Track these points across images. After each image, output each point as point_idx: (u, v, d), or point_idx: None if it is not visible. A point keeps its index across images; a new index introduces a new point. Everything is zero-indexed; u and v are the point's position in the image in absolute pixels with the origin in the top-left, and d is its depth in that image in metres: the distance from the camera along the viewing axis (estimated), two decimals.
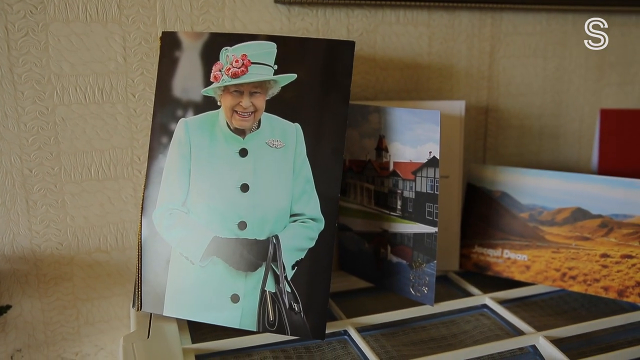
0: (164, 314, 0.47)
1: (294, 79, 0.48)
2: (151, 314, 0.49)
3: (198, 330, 0.50)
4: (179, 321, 0.49)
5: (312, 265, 0.47)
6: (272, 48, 0.48)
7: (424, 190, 0.52)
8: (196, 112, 0.49)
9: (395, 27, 0.60)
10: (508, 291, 0.57)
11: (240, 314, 0.46)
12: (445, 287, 0.60)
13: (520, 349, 0.48)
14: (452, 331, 0.52)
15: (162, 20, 0.53)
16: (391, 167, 0.54)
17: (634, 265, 0.54)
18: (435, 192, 0.51)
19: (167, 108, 0.49)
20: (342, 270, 0.62)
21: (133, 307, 0.49)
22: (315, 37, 0.53)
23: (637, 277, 0.53)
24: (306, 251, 0.47)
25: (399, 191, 0.54)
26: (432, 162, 0.51)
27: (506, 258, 0.60)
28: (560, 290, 0.58)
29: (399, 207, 0.54)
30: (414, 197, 0.53)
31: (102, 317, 0.56)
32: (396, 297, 0.56)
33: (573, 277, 0.56)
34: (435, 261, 0.52)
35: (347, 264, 0.62)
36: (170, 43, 0.49)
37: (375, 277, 0.58)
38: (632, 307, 0.55)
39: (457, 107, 0.58)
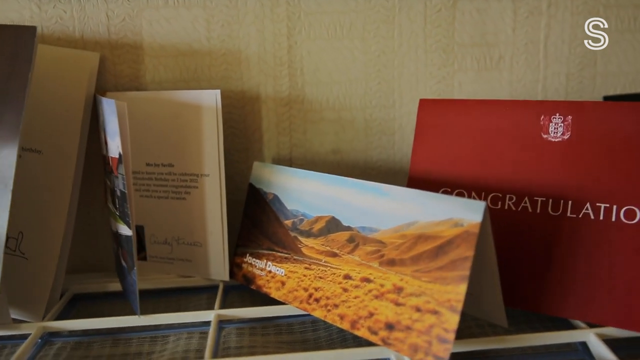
0: None
1: None
2: None
3: None
4: None
5: None
6: None
7: (122, 188, 0.47)
8: None
9: (163, 10, 0.55)
10: (248, 309, 0.50)
11: None
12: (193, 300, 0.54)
13: None
14: (145, 349, 0.46)
15: None
16: (110, 163, 0.50)
17: (370, 291, 0.44)
18: (124, 191, 0.46)
19: None
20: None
21: None
22: None
23: (372, 306, 0.43)
24: None
25: (115, 189, 0.49)
26: (121, 159, 0.46)
27: (268, 271, 0.52)
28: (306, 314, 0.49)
29: (117, 205, 0.50)
30: (119, 195, 0.48)
31: None
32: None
33: (317, 300, 0.47)
34: (135, 268, 0.47)
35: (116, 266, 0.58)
36: None
37: (121, 281, 0.54)
38: None
39: (211, 96, 0.52)
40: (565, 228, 0.46)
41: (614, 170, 0.46)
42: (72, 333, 0.49)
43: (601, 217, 0.45)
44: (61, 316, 0.51)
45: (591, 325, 0.45)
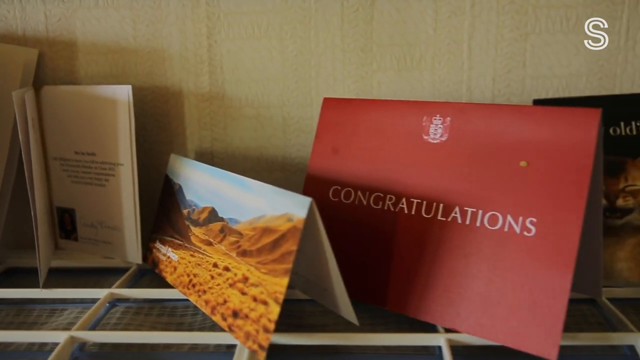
0: None
1: None
2: None
3: None
4: None
5: None
6: None
7: None
8: None
9: (95, 11, 0.60)
10: (138, 290, 0.53)
11: None
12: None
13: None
14: (41, 320, 0.51)
15: None
16: None
17: (227, 279, 0.46)
18: None
19: None
20: None
21: None
22: None
23: (226, 294, 0.45)
24: None
25: None
26: None
27: (167, 256, 0.55)
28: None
29: None
30: None
31: None
32: None
33: (194, 285, 0.50)
34: (38, 246, 0.52)
35: None
36: None
37: None
38: None
39: (123, 91, 0.55)
40: (435, 231, 0.46)
41: (484, 175, 0.45)
42: None
43: (467, 222, 0.45)
44: None
45: (449, 330, 0.44)
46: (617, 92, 0.59)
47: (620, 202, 0.54)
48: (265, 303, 0.40)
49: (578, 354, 0.44)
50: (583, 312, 0.50)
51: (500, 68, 0.59)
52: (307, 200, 0.39)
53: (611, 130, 0.56)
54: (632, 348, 0.43)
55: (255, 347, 0.40)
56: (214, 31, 0.59)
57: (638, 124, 0.55)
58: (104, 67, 0.61)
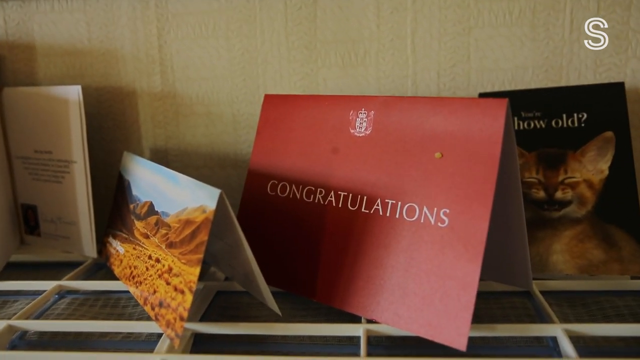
0: None
1: None
2: None
3: None
4: None
5: None
6: None
7: None
8: None
9: (51, 15, 0.62)
10: (86, 282, 0.55)
11: None
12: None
13: None
14: None
15: None
16: None
17: (157, 270, 0.47)
18: None
19: None
20: None
21: None
22: None
23: (156, 284, 0.47)
24: None
25: None
26: None
27: (116, 250, 0.57)
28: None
29: None
30: None
31: None
32: None
33: (133, 277, 0.52)
34: None
35: None
36: None
37: None
38: None
39: (74, 91, 0.58)
40: (359, 223, 0.47)
41: (403, 167, 0.45)
42: None
43: (388, 214, 0.45)
44: None
45: (370, 322, 0.45)
46: (563, 84, 0.58)
47: (559, 194, 0.54)
48: (182, 292, 0.42)
49: (502, 345, 0.44)
50: (515, 304, 0.50)
51: (444, 62, 0.59)
52: (216, 192, 0.41)
53: (553, 123, 0.56)
54: (554, 340, 0.44)
55: (172, 334, 0.41)
56: (163, 32, 0.61)
57: (579, 116, 0.55)
58: (61, 68, 0.63)
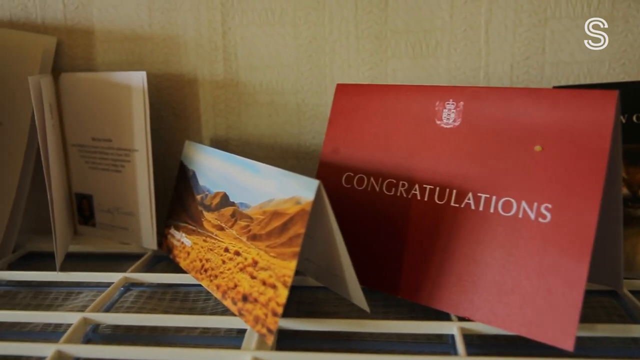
0: None
1: None
2: None
3: None
4: None
5: None
6: None
7: None
8: None
9: None
10: (152, 275, 0.54)
11: None
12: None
13: None
14: (57, 302, 0.52)
15: None
16: None
17: (238, 264, 0.46)
18: None
19: None
20: None
21: None
22: None
23: (237, 278, 0.45)
24: None
25: None
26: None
27: (181, 242, 0.56)
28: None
29: None
30: None
31: None
32: None
33: (206, 270, 0.50)
34: (55, 230, 0.52)
35: None
36: None
37: None
38: None
39: (138, 78, 0.56)
40: (448, 218, 0.45)
41: (496, 160, 0.44)
42: (10, 283, 0.56)
43: (481, 208, 0.44)
44: (9, 268, 0.58)
45: (463, 319, 0.44)
46: None
47: None
48: (273, 287, 0.40)
49: (598, 346, 0.42)
50: (603, 303, 0.48)
51: (518, 54, 0.57)
52: (314, 183, 0.39)
53: (634, 118, 0.54)
54: None
55: (264, 330, 0.40)
56: (228, 18, 0.59)
57: None
58: (120, 54, 0.61)
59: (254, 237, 0.45)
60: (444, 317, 0.45)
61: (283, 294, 0.39)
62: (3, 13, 0.61)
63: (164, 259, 0.61)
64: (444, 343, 0.43)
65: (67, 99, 0.61)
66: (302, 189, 0.40)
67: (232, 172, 0.50)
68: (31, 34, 0.60)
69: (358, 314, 0.47)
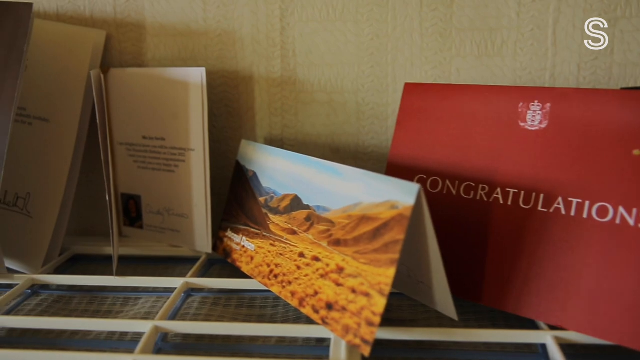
0: None
1: None
2: None
3: None
4: None
5: None
6: None
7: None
8: None
9: None
10: (215, 280, 0.52)
11: None
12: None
13: None
14: (116, 308, 0.50)
15: None
16: None
17: (317, 270, 0.44)
18: None
19: None
20: None
21: None
22: None
23: (317, 285, 0.43)
24: None
25: None
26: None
27: (242, 246, 0.54)
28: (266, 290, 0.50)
29: None
30: None
31: None
32: None
33: (276, 276, 0.48)
34: (114, 234, 0.50)
35: None
36: None
37: None
38: None
39: (197, 74, 0.54)
40: (535, 223, 0.44)
41: (589, 163, 0.42)
42: (60, 287, 0.53)
43: (572, 213, 0.42)
44: (57, 272, 0.56)
45: (553, 328, 0.42)
46: None
47: None
48: (367, 295, 0.38)
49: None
50: None
51: (586, 55, 0.56)
52: (414, 187, 0.37)
53: None
54: None
55: (357, 341, 0.38)
56: (287, 13, 0.57)
57: None
58: (172, 50, 0.59)
59: (337, 242, 0.43)
60: (529, 325, 0.44)
61: (380, 303, 0.37)
62: (50, 6, 0.58)
63: (217, 263, 0.58)
64: (534, 352, 0.42)
65: (116, 96, 0.58)
66: (399, 193, 0.38)
67: (305, 174, 0.48)
68: (81, 28, 0.58)
69: (437, 321, 0.46)
